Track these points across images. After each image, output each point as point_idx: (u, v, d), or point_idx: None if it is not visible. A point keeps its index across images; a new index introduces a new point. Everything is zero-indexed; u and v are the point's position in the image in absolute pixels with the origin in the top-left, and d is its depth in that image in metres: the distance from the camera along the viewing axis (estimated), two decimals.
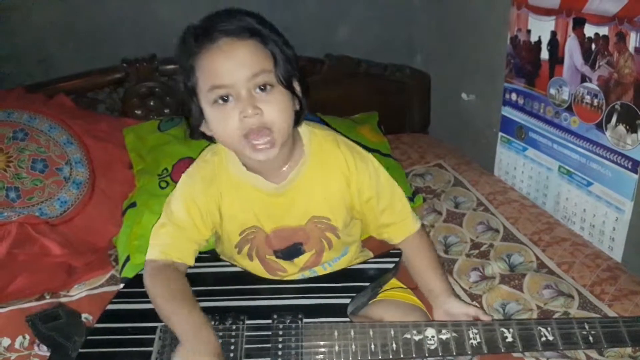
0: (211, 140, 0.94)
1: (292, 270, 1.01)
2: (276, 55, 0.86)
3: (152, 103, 1.71)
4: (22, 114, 1.40)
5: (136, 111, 1.71)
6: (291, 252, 0.99)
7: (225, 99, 0.83)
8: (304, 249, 1.00)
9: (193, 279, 0.93)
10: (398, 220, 1.04)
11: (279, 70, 0.85)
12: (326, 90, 1.72)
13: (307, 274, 1.02)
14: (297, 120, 0.92)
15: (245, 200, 0.96)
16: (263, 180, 0.95)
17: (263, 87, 0.84)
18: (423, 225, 1.09)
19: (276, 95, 0.85)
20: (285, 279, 1.01)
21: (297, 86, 0.90)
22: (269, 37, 0.86)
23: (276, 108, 0.85)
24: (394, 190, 1.04)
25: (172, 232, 0.96)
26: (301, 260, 1.01)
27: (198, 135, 0.93)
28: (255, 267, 1.01)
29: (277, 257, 1.00)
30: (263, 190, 0.95)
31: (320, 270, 1.03)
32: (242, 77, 0.82)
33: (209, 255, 1.05)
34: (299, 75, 0.91)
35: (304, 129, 0.99)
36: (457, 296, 1.04)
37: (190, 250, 0.96)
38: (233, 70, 0.82)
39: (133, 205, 1.33)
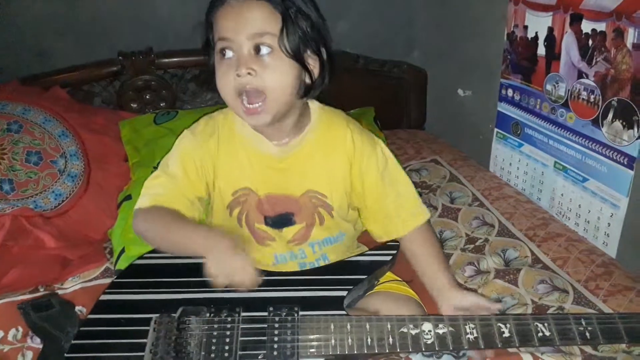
0: None
1: (281, 242, 1.01)
2: (287, 21, 0.85)
3: (148, 96, 1.71)
4: (16, 106, 1.39)
5: (132, 104, 1.70)
6: (281, 220, 0.99)
7: (225, 52, 0.86)
8: (294, 220, 0.99)
9: (188, 270, 0.92)
10: (406, 210, 1.01)
11: (285, 36, 0.85)
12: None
13: (296, 251, 1.01)
14: (306, 93, 0.92)
15: (244, 158, 0.96)
16: (267, 141, 0.96)
17: (263, 50, 0.85)
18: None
19: (277, 61, 0.86)
20: (273, 252, 1.01)
21: (312, 59, 0.90)
22: (286, 4, 0.86)
23: (274, 74, 0.85)
24: (402, 178, 1.03)
25: (165, 183, 0.96)
26: (290, 231, 1.00)
27: (213, 85, 0.93)
28: (244, 235, 1.00)
29: (266, 224, 0.99)
30: (263, 152, 0.96)
31: (309, 253, 1.02)
32: (243, 34, 0.84)
33: (218, 230, 1.04)
34: (321, 47, 0.91)
35: (316, 105, 0.99)
36: (467, 288, 1.03)
37: (183, 203, 0.95)
38: (236, 26, 0.84)
39: (128, 198, 1.32)
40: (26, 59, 1.67)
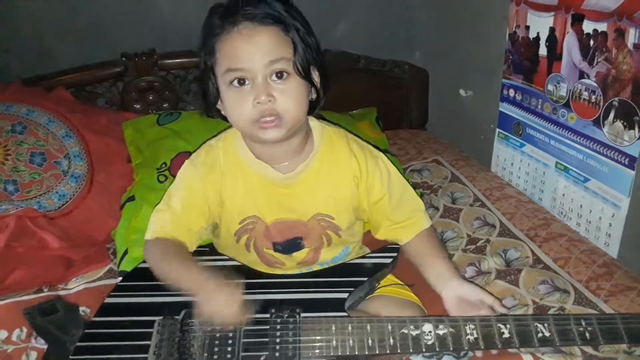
0: (225, 119, 0.94)
1: (290, 264, 1.02)
2: (296, 44, 0.86)
3: (151, 97, 1.71)
4: (20, 107, 1.40)
5: (135, 105, 1.71)
6: (290, 246, 1.00)
7: (241, 81, 0.85)
8: (303, 244, 1.00)
9: None
10: (410, 218, 1.03)
11: (297, 59, 0.86)
12: None
13: (305, 270, 1.02)
14: (313, 109, 0.93)
15: (249, 187, 0.96)
16: (271, 169, 0.95)
17: (279, 75, 0.85)
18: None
19: (292, 84, 0.86)
20: (283, 272, 1.01)
21: (315, 75, 0.91)
22: (292, 25, 0.87)
23: (290, 97, 0.86)
24: (405, 188, 1.04)
25: (169, 217, 0.96)
26: (299, 255, 1.01)
27: (214, 112, 0.94)
28: (253, 260, 1.01)
29: (275, 250, 1.00)
30: (269, 179, 0.95)
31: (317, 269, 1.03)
32: (259, 63, 0.83)
33: (207, 249, 1.05)
34: (320, 64, 0.92)
35: (316, 124, 0.99)
36: (471, 281, 1.03)
37: (185, 235, 0.96)
38: (251, 55, 0.83)
39: (132, 199, 1.33)
40: (29, 59, 1.67)
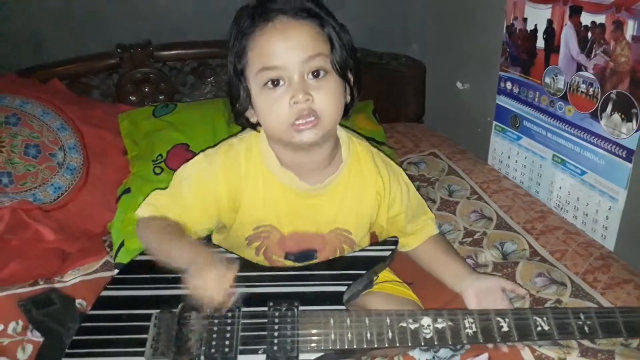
0: (253, 127, 0.90)
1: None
2: (333, 40, 0.82)
3: (146, 89, 1.70)
4: (14, 99, 1.38)
5: (130, 97, 1.70)
6: (304, 256, 0.98)
7: (275, 82, 0.80)
8: (317, 256, 0.98)
9: None
10: (420, 228, 1.04)
11: (335, 55, 0.82)
12: None
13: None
14: (346, 112, 0.89)
15: (270, 195, 0.92)
16: (297, 178, 0.91)
17: (316, 73, 0.80)
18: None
19: (330, 82, 0.82)
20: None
21: (351, 76, 0.87)
22: (327, 20, 0.83)
23: (328, 96, 0.81)
24: (419, 204, 1.05)
25: (172, 205, 0.92)
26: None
27: (242, 120, 0.89)
28: (259, 262, 0.99)
29: (287, 259, 0.98)
30: (293, 190, 0.91)
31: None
32: (296, 59, 0.79)
33: (204, 242, 1.04)
34: (354, 64, 0.87)
35: (343, 134, 0.95)
36: (487, 273, 1.05)
37: (185, 220, 0.92)
38: (287, 51, 0.79)
39: (127, 191, 1.33)
40: (22, 50, 1.66)
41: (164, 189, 0.96)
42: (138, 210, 0.94)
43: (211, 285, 0.79)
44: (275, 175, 0.91)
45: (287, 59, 0.79)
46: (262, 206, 0.92)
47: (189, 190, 0.92)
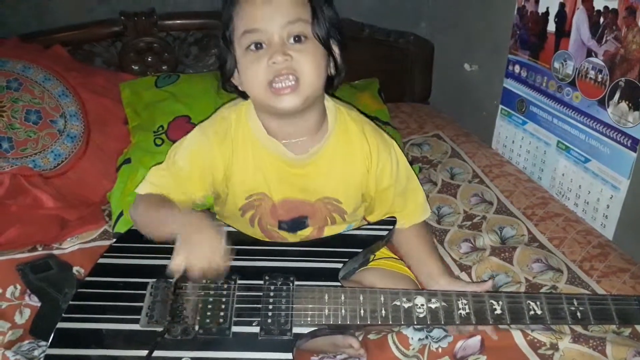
0: (242, 95, 0.92)
1: (293, 240, 1.01)
2: (316, 9, 0.84)
3: (149, 59, 1.68)
4: (16, 64, 1.37)
5: (133, 66, 1.68)
6: (295, 224, 0.99)
7: (258, 46, 0.83)
8: (308, 223, 0.99)
9: None
10: (409, 208, 1.03)
11: (317, 23, 0.84)
12: None
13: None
14: (331, 84, 0.91)
15: (259, 163, 0.94)
16: (283, 147, 0.92)
17: (297, 38, 0.83)
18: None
19: (310, 47, 0.84)
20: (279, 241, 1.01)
21: (336, 49, 0.89)
22: None
23: (308, 58, 0.83)
24: (409, 180, 1.03)
25: (167, 176, 0.95)
26: (303, 233, 1.00)
27: (229, 87, 0.92)
28: (255, 233, 1.00)
29: (280, 228, 0.99)
30: (281, 158, 0.93)
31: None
32: (277, 22, 0.82)
33: (204, 214, 1.04)
34: (340, 39, 0.90)
35: (330, 104, 0.96)
36: (458, 277, 1.05)
37: (180, 199, 0.94)
38: (269, 15, 0.82)
39: (128, 161, 1.32)
40: (25, 14, 1.63)
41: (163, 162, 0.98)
42: (137, 189, 0.96)
43: (202, 249, 0.80)
44: (263, 143, 0.93)
45: (268, 22, 0.82)
46: (253, 174, 0.94)
47: (185, 161, 0.94)
